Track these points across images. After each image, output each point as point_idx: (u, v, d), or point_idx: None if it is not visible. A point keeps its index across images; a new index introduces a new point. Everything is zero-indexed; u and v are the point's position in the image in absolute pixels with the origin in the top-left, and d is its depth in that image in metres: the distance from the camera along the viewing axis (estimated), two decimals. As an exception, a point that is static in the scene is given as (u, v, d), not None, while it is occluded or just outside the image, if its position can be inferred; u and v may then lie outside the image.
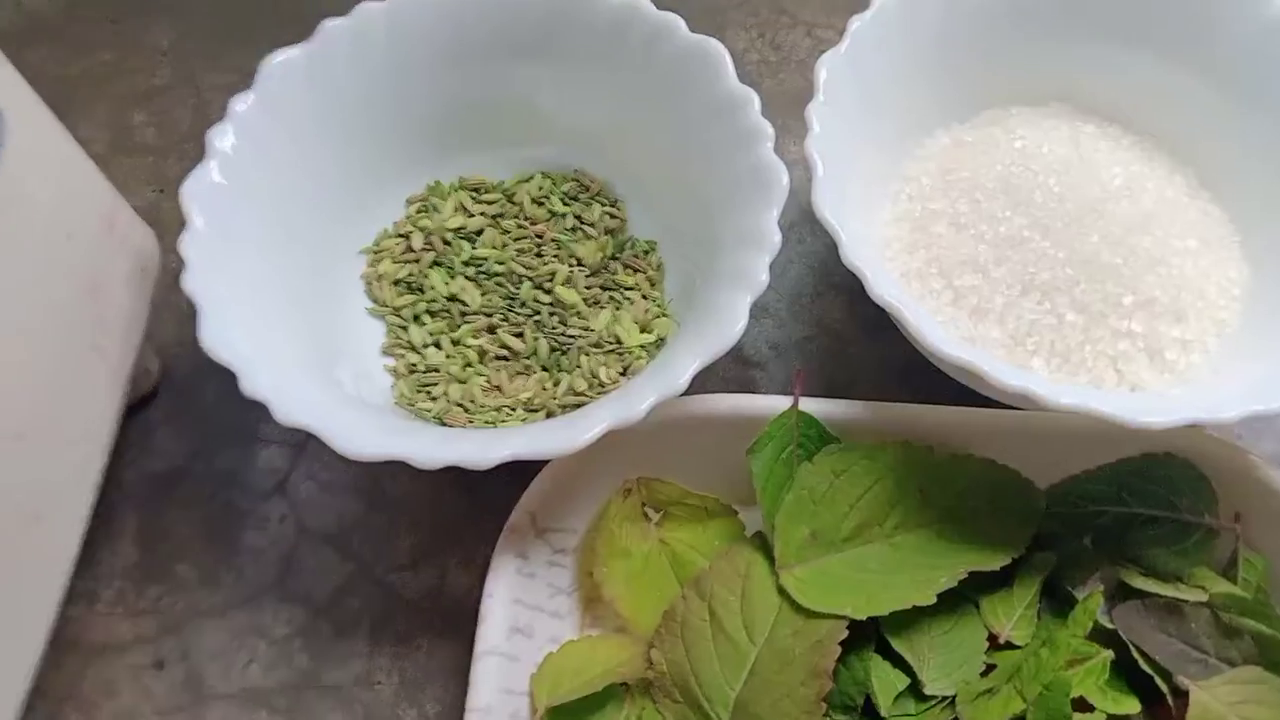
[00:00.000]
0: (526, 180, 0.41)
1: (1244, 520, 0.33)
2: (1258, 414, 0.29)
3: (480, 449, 0.30)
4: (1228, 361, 0.35)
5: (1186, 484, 0.33)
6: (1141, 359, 0.35)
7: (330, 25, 0.38)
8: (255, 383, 0.31)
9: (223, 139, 0.36)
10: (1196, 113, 0.39)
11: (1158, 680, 0.31)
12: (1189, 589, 0.32)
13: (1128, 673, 0.31)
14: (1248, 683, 0.31)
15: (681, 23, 0.37)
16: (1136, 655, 0.31)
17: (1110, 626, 0.32)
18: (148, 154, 0.46)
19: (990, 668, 0.32)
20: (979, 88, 0.40)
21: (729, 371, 0.40)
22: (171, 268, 0.40)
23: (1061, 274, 0.35)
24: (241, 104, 0.36)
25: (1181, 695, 0.31)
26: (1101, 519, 0.33)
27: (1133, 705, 0.31)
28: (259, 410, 0.38)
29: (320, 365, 0.35)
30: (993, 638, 0.32)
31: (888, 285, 0.32)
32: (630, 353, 0.37)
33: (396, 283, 0.39)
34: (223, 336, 0.32)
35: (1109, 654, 0.31)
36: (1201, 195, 0.38)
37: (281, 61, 0.37)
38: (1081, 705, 0.30)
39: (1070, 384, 0.34)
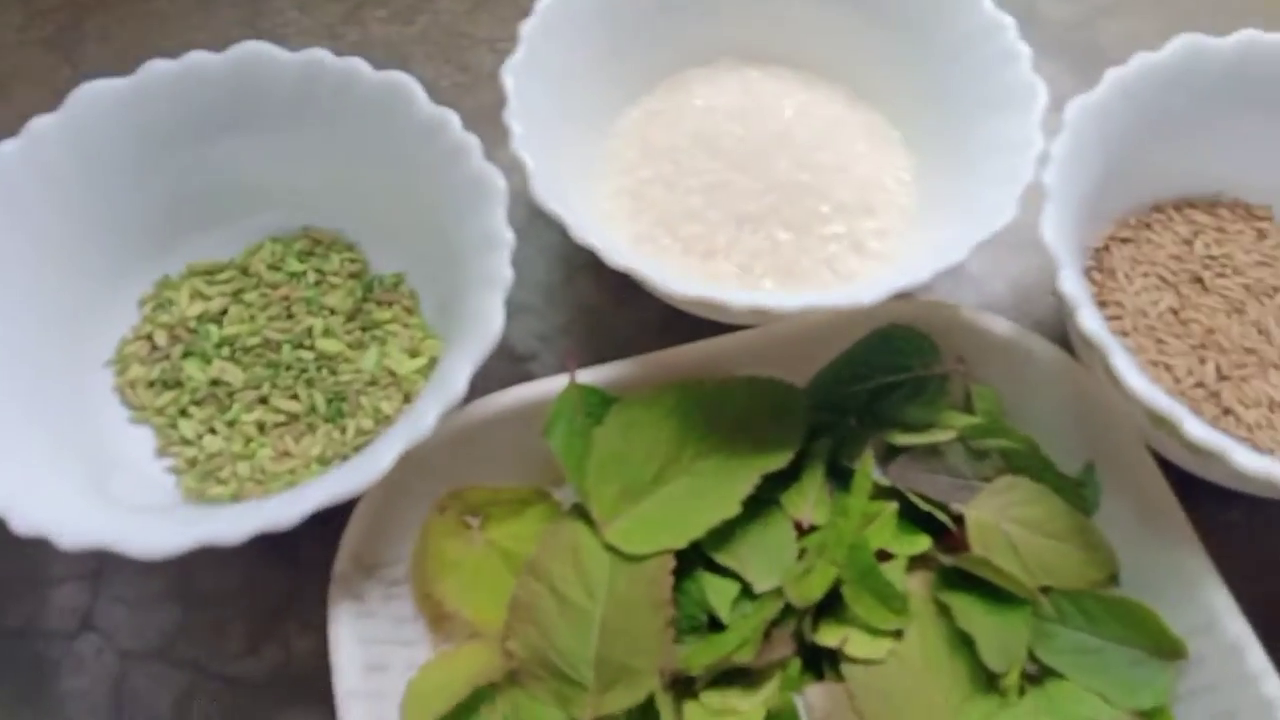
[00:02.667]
0: (256, 250, 0.42)
1: (966, 361, 0.38)
2: (942, 269, 0.34)
3: (282, 508, 0.31)
4: (918, 237, 0.40)
5: (912, 346, 0.38)
6: (850, 255, 0.40)
7: (2, 149, 0.36)
8: (27, 520, 0.30)
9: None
10: (839, 41, 0.44)
11: (938, 514, 0.35)
12: (940, 431, 0.37)
13: (914, 517, 0.36)
14: (1006, 490, 0.36)
15: (364, 64, 0.38)
16: (915, 499, 0.36)
17: (888, 484, 0.36)
18: None
19: (804, 552, 0.35)
20: (654, 59, 0.44)
21: (504, 371, 0.41)
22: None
23: (765, 202, 0.40)
24: (-73, 248, 0.35)
25: (960, 520, 0.35)
26: (857, 397, 0.38)
27: (924, 542, 0.35)
28: (41, 552, 0.37)
29: (95, 486, 0.34)
30: (799, 526, 0.36)
31: (620, 251, 0.35)
32: (407, 380, 0.39)
33: (151, 384, 0.39)
34: (-21, 484, 0.30)
35: (894, 505, 0.36)
36: (860, 106, 0.44)
37: (-42, 195, 0.35)
38: (883, 556, 0.34)
39: (797, 292, 0.39)
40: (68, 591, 0.37)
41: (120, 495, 0.34)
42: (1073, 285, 0.33)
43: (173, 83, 0.38)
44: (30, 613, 0.37)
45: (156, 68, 0.38)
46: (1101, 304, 0.38)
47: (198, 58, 0.38)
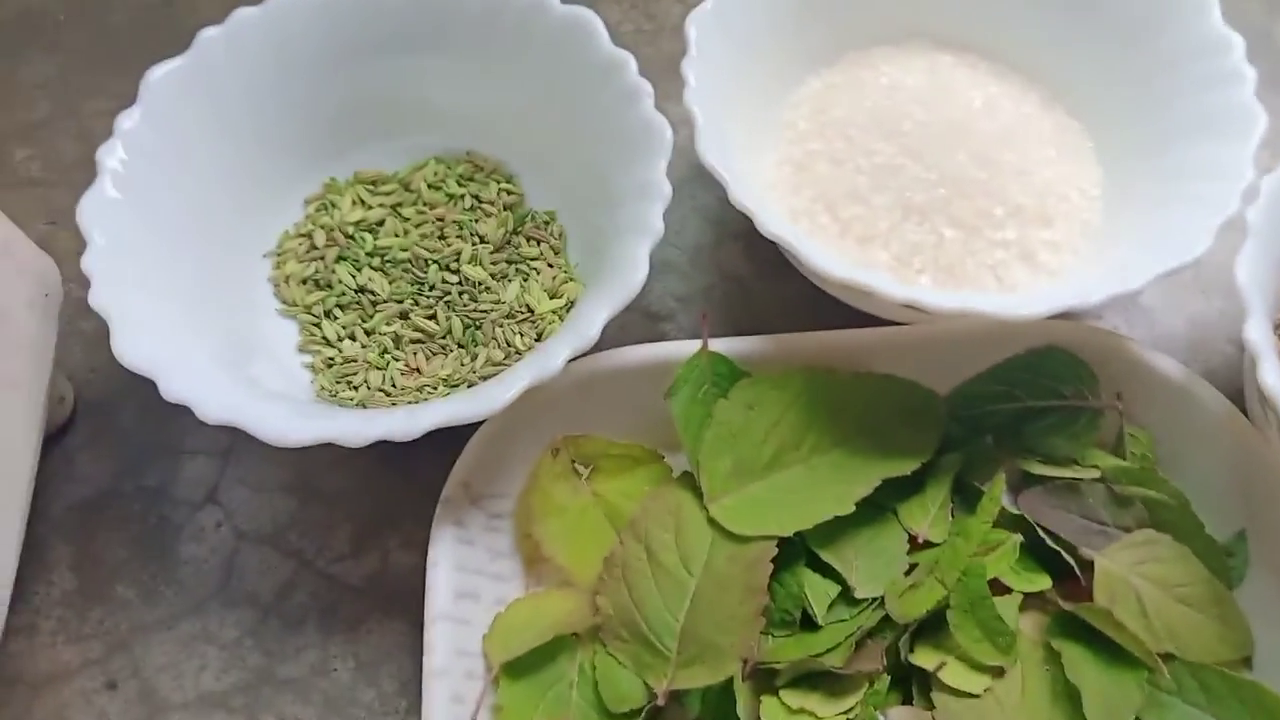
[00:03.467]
0: (420, 167, 0.42)
1: (1125, 399, 0.35)
2: (1119, 294, 0.32)
3: (406, 420, 0.31)
4: (1095, 257, 0.38)
5: (1069, 372, 0.35)
6: (1018, 264, 0.37)
7: (207, 35, 0.38)
8: (175, 385, 0.32)
9: (112, 156, 0.36)
10: (1043, 36, 0.42)
11: (1065, 556, 0.33)
12: (1083, 469, 0.35)
13: (1037, 554, 0.34)
14: (1143, 544, 0.33)
15: (553, -1, 0.38)
16: (1043, 535, 0.33)
17: (1017, 513, 0.34)
18: (35, 187, 0.45)
19: (913, 567, 0.34)
20: (842, 32, 0.42)
21: (639, 327, 0.41)
22: (75, 296, 0.40)
23: (936, 194, 0.38)
24: (128, 120, 0.37)
25: (1087, 566, 0.33)
26: (998, 417, 0.36)
27: (1044, 582, 0.33)
28: (181, 423, 0.39)
29: (238, 366, 0.36)
30: (912, 539, 0.34)
31: (776, 220, 0.34)
32: (542, 319, 0.39)
33: (304, 281, 0.40)
34: (137, 346, 0.32)
35: (1018, 537, 0.34)
36: (1055, 108, 0.41)
37: (163, 75, 0.37)
38: (998, 588, 0.33)
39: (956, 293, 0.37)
40: (199, 465, 0.39)
41: (258, 379, 0.36)
42: (1259, 333, 0.30)
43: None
44: (164, 478, 0.39)
45: (355, -24, 0.39)
46: (1291, 365, 0.35)
47: (394, -28, 0.39)
